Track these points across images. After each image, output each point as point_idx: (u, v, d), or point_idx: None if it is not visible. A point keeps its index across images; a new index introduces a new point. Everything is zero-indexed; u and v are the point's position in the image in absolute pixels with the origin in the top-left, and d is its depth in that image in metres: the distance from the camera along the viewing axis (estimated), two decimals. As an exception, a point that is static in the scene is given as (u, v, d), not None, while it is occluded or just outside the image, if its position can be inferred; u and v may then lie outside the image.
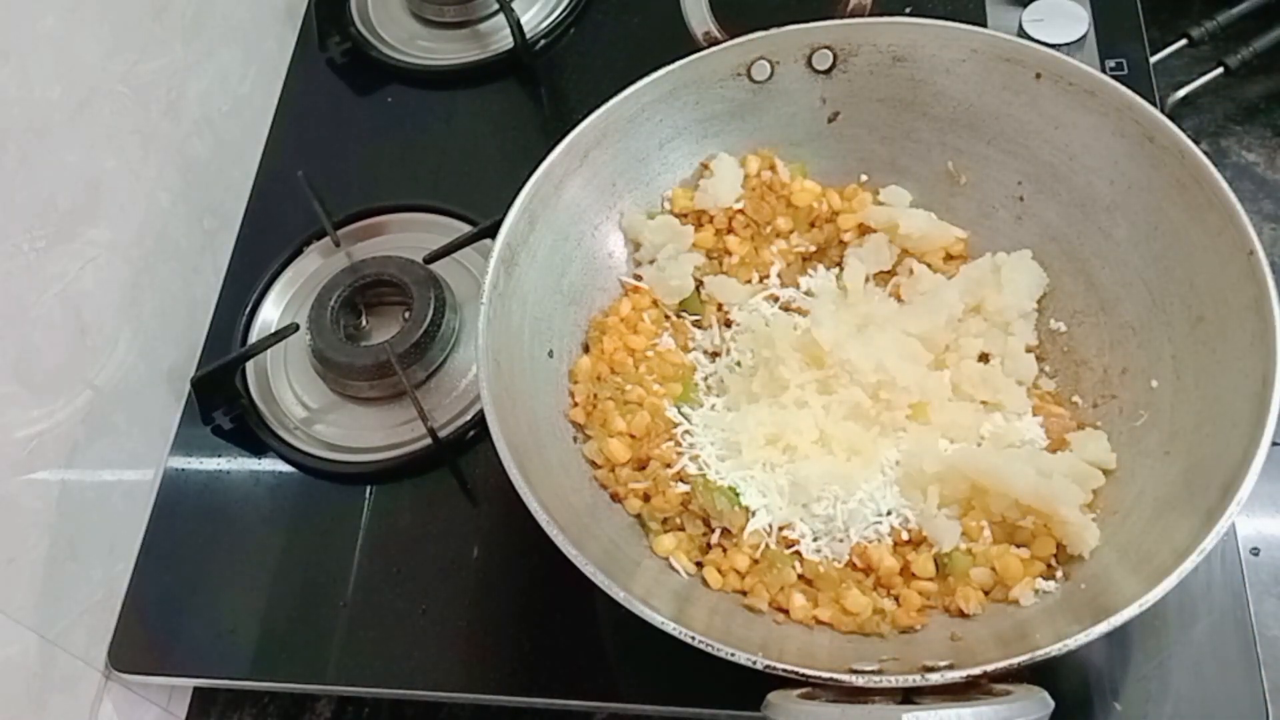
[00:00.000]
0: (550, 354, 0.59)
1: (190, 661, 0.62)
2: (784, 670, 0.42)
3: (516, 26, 0.80)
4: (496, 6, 0.82)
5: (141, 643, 0.63)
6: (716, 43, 0.62)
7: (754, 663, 0.42)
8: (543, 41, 0.84)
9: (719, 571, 0.53)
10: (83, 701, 0.61)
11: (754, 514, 0.54)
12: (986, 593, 0.52)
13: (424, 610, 0.60)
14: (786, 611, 0.52)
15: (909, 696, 0.42)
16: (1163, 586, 0.42)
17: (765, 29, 0.62)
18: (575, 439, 0.58)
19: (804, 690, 0.43)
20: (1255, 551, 0.57)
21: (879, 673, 0.43)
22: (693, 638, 0.43)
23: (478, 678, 0.58)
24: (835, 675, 0.42)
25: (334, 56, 0.86)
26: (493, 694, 0.58)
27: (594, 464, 0.57)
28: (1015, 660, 0.42)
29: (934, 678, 0.42)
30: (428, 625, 0.60)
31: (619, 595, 0.44)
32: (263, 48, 0.85)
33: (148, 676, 0.63)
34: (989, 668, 0.42)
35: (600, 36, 0.84)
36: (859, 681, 0.42)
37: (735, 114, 0.64)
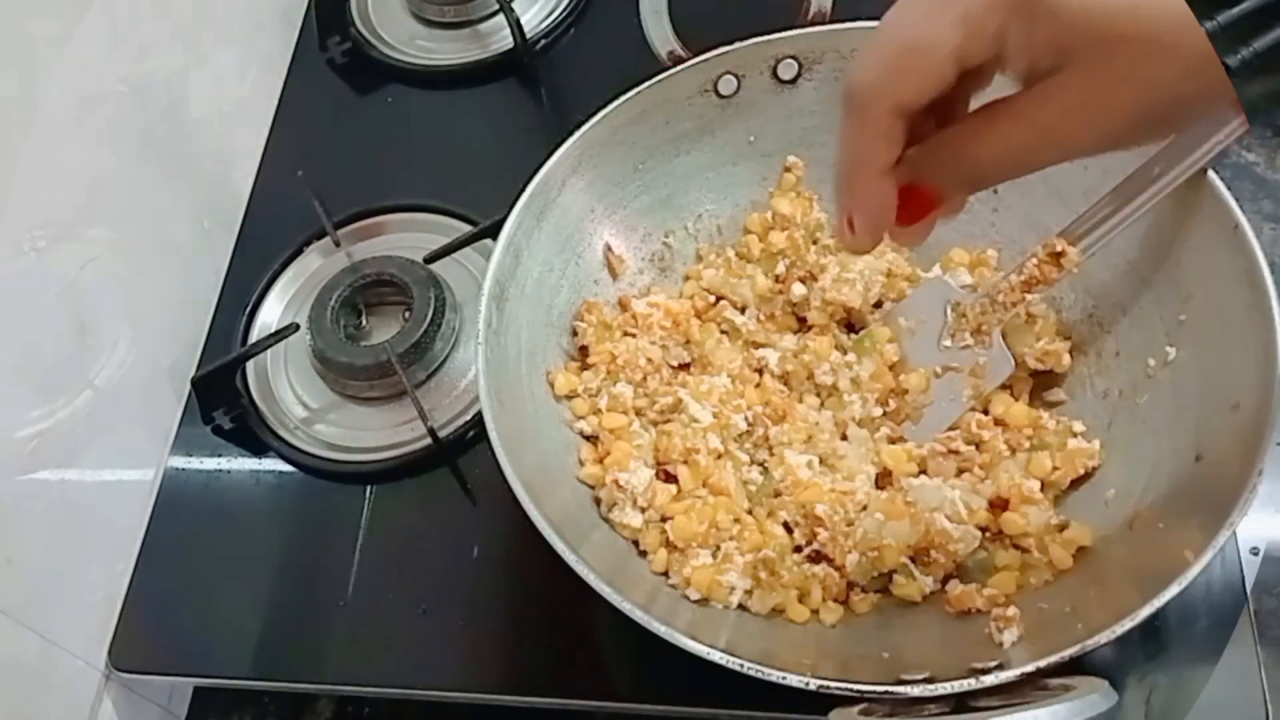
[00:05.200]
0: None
1: (190, 661, 0.62)
2: (837, 689, 0.42)
3: (516, 26, 0.80)
4: (496, 6, 0.82)
5: (141, 643, 0.62)
6: (681, 61, 0.62)
7: (806, 685, 0.42)
8: (543, 41, 0.84)
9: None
10: (83, 701, 0.61)
11: None
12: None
13: (424, 610, 0.60)
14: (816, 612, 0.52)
15: (963, 701, 0.41)
16: (1218, 540, 0.42)
17: (728, 43, 0.62)
18: (582, 463, 0.58)
19: (863, 706, 0.42)
20: (1255, 551, 0.57)
21: (930, 680, 0.42)
22: (741, 665, 0.42)
23: (478, 678, 0.58)
24: (890, 688, 0.42)
25: (334, 56, 0.86)
26: (492, 694, 0.58)
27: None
28: (1067, 652, 0.41)
29: (987, 679, 0.41)
30: (428, 625, 0.60)
31: (667, 633, 0.44)
32: (263, 48, 0.85)
33: (148, 676, 0.63)
34: (1041, 663, 0.41)
35: (600, 36, 0.84)
36: (914, 691, 0.42)
37: (706, 130, 0.64)
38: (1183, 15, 0.31)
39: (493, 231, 0.65)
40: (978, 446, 0.55)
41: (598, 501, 0.56)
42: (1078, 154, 0.35)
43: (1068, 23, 0.32)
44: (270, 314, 0.74)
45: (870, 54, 0.36)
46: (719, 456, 0.56)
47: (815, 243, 0.63)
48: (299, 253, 0.76)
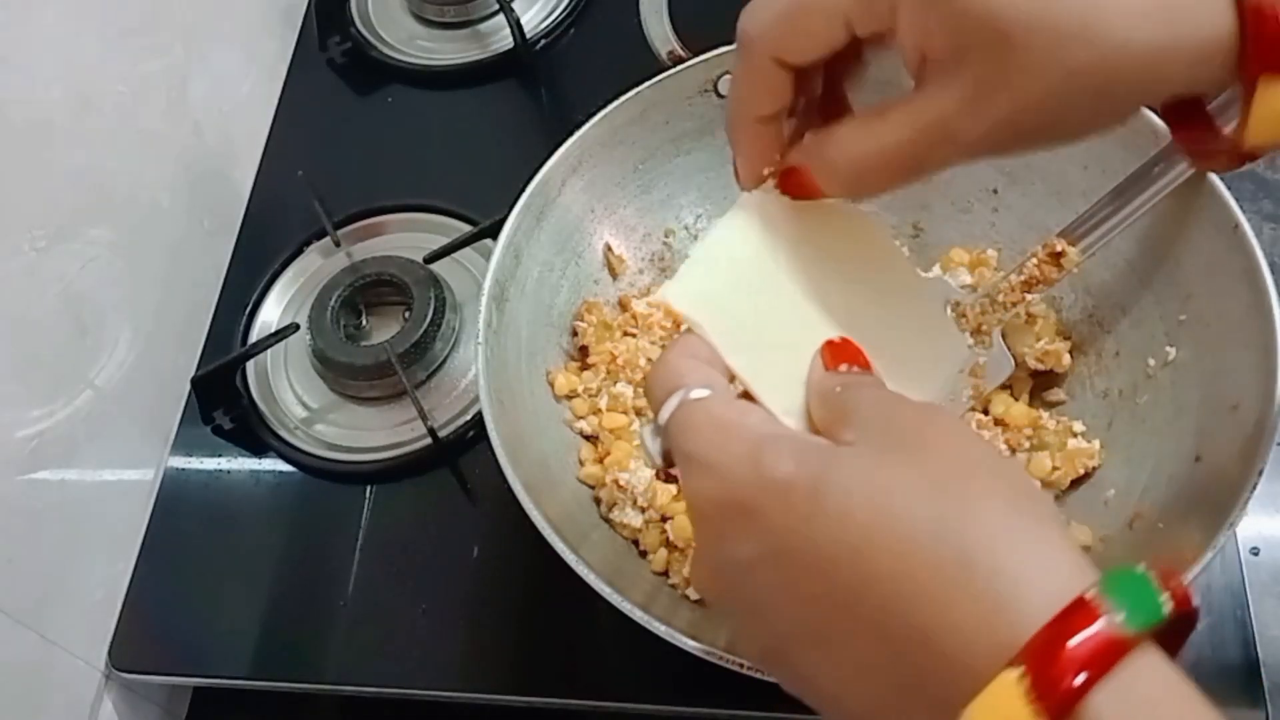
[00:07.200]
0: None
1: (190, 661, 0.62)
2: None
3: (516, 26, 0.80)
4: (496, 6, 0.82)
5: (141, 643, 0.63)
6: (681, 61, 0.62)
7: None
8: (543, 41, 0.84)
9: None
10: (83, 701, 0.61)
11: None
12: None
13: (424, 610, 0.60)
14: None
15: None
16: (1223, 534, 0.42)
17: (729, 43, 0.61)
18: (582, 463, 0.58)
19: None
20: (1255, 551, 0.57)
21: None
22: (741, 665, 0.42)
23: (478, 678, 0.58)
24: None
25: (334, 56, 0.86)
26: (493, 694, 0.58)
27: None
28: None
29: None
30: (428, 625, 0.60)
31: (667, 633, 0.44)
32: (263, 48, 0.85)
33: (148, 676, 0.63)
34: None
35: (600, 36, 0.84)
36: None
37: (705, 130, 0.63)
38: (1093, 9, 0.30)
39: (493, 231, 0.65)
40: None
41: (598, 501, 0.56)
42: (963, 155, 0.33)
43: (962, 10, 0.30)
44: (270, 314, 0.74)
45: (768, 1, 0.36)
46: None
47: None
48: (299, 253, 0.76)
